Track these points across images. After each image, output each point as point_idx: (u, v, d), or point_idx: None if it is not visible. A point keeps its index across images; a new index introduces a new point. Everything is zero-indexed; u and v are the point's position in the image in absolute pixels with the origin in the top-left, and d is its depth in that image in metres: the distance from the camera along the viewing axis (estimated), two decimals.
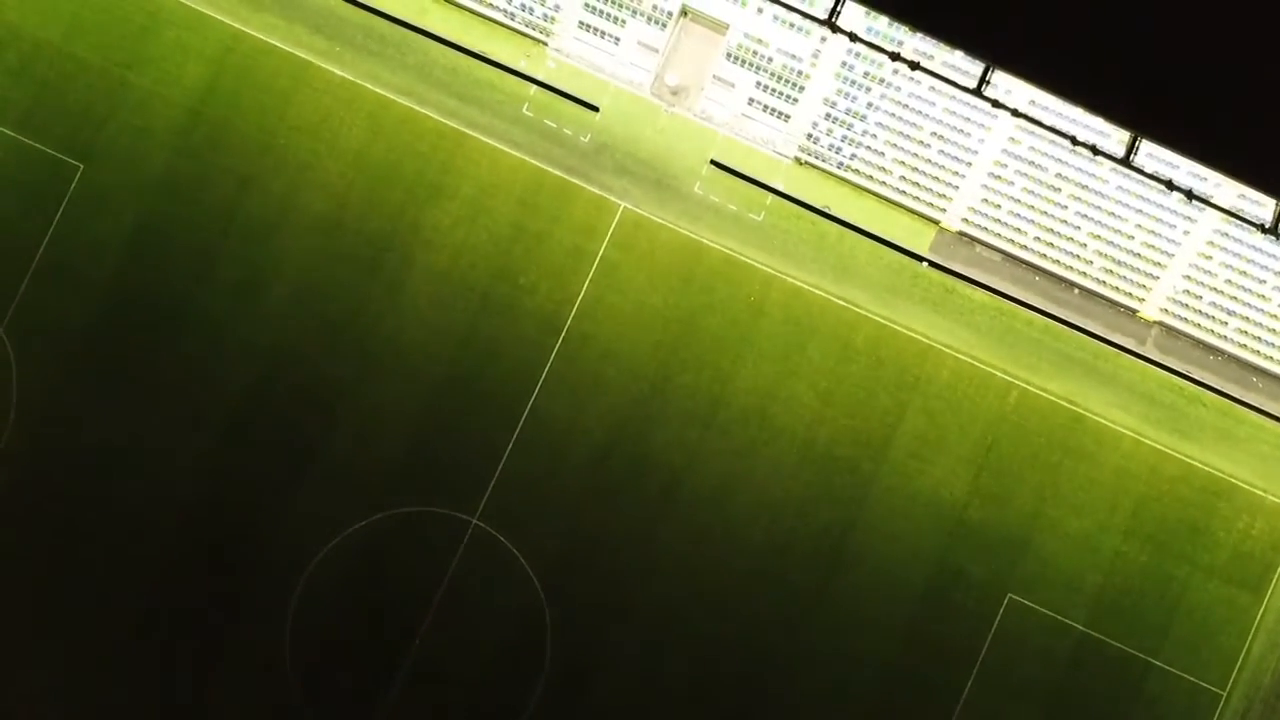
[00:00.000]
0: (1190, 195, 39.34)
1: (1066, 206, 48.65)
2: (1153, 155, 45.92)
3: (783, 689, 48.51)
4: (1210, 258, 48.32)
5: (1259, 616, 48.47)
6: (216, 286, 49.66)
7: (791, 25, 47.75)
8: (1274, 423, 49.16)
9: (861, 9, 44.97)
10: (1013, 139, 48.07)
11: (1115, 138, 45.10)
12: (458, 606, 48.50)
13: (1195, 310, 49.12)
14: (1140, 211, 48.06)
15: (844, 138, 49.39)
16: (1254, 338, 48.91)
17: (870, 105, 48.69)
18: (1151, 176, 41.73)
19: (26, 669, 48.50)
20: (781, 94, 49.19)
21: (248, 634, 48.60)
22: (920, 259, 49.89)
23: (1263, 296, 48.36)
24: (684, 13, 48.99)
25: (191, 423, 49.24)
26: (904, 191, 49.71)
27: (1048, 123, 42.82)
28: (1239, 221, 44.78)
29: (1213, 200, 42.24)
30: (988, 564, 48.80)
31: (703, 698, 48.40)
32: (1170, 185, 39.52)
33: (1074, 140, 39.97)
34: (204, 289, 49.61)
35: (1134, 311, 49.66)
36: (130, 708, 48.48)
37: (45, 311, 49.52)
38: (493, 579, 48.62)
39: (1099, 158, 41.86)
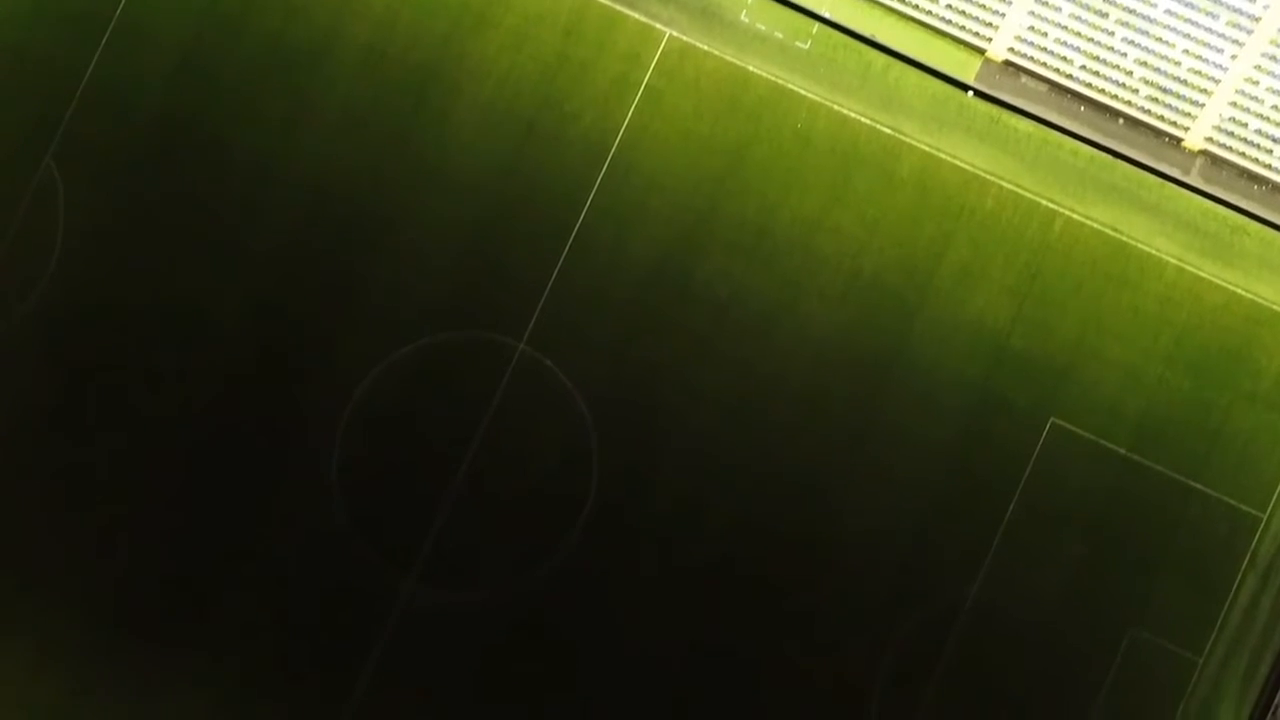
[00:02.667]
0: None
1: (1113, 33, 48.57)
2: None
3: (825, 517, 48.94)
4: (1257, 83, 48.32)
5: None
6: (262, 117, 49.78)
7: None
8: None
9: None
10: None
11: None
12: (505, 430, 48.91)
13: (1241, 139, 49.15)
14: (1188, 36, 48.01)
15: None
16: None
17: None
18: None
19: (72, 488, 49.10)
20: None
21: (294, 461, 49.04)
22: (966, 89, 49.90)
23: None
24: None
25: (238, 251, 49.52)
26: (950, 21, 49.60)
27: None
28: None
29: None
30: (1030, 390, 49.08)
31: (747, 523, 48.82)
32: None
33: None
34: (250, 119, 49.75)
35: (1179, 140, 49.69)
36: (176, 533, 48.96)
37: (92, 140, 49.69)
38: (539, 403, 49.00)
39: None
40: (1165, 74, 48.86)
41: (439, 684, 48.22)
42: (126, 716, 47.92)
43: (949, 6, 49.35)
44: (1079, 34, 48.87)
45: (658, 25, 49.63)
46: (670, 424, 49.16)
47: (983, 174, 49.64)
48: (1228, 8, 47.23)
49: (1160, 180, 49.67)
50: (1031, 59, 49.61)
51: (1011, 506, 48.76)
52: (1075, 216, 49.58)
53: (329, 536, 48.59)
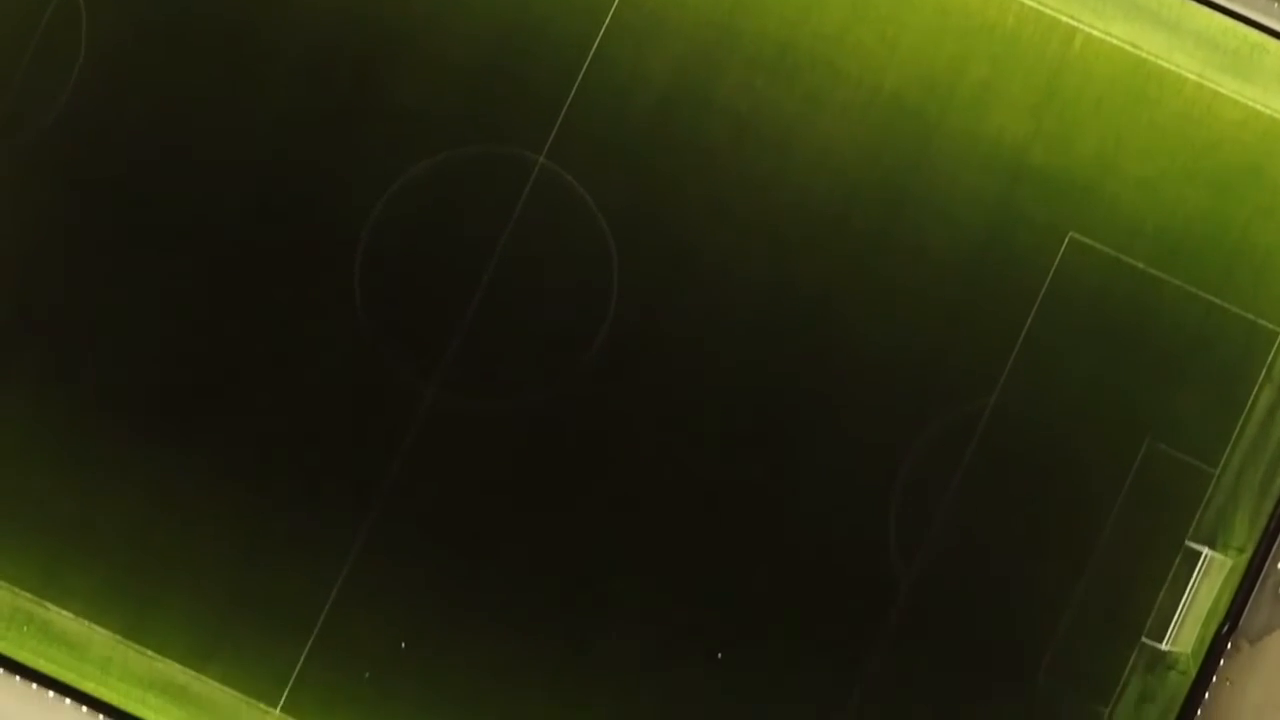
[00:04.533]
0: None
1: None
2: None
3: (844, 329, 49.15)
4: None
5: None
6: None
7: None
8: None
9: None
10: None
11: None
12: (525, 242, 49.04)
13: None
14: None
15: None
16: None
17: None
18: None
19: (92, 300, 49.28)
20: None
21: (316, 272, 49.23)
22: None
23: None
24: None
25: (257, 67, 49.52)
26: None
27: None
28: None
29: None
30: (1049, 206, 49.19)
31: (766, 336, 49.11)
32: None
33: None
34: None
35: None
36: (197, 341, 49.15)
37: None
38: (559, 216, 49.15)
39: None
40: None
41: (461, 489, 48.63)
42: (144, 523, 48.17)
43: None
44: None
45: None
46: (690, 237, 49.27)
47: None
48: None
49: None
50: None
51: (1029, 320, 48.93)
52: (1095, 33, 49.54)
53: (352, 344, 48.74)
